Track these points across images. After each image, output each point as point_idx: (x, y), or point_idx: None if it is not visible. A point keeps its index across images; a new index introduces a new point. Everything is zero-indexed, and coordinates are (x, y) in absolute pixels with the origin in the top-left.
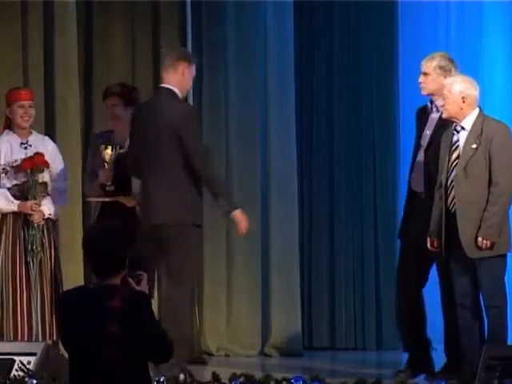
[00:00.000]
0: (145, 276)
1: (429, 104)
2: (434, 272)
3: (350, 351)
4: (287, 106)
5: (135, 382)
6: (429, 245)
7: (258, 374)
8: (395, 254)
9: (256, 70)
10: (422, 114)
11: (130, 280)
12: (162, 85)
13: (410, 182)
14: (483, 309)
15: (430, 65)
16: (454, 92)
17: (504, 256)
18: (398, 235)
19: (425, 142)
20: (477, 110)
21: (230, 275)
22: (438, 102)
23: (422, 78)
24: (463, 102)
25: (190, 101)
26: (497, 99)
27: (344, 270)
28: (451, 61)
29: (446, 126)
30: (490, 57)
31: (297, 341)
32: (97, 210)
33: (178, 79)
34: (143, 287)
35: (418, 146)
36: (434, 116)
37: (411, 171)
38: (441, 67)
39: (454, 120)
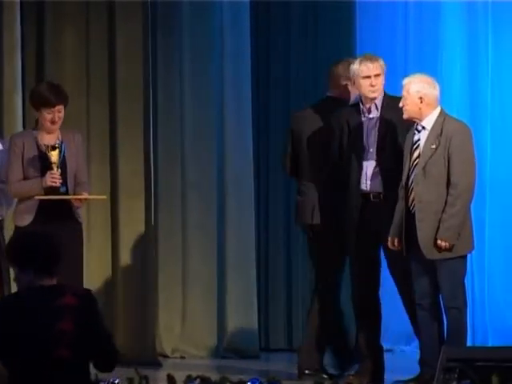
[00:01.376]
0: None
1: (361, 106)
2: None
3: None
4: (243, 106)
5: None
6: (389, 244)
7: (214, 376)
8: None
9: (212, 70)
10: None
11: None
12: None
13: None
14: (443, 310)
15: (379, 66)
16: (412, 92)
17: (464, 257)
18: None
19: (372, 143)
20: (438, 110)
21: (185, 276)
22: (378, 102)
23: (374, 81)
24: (421, 101)
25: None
26: (455, 98)
27: (301, 270)
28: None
29: (389, 125)
30: (448, 56)
31: (253, 342)
32: (31, 212)
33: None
34: None
35: (359, 148)
36: (374, 116)
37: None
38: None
39: (415, 120)
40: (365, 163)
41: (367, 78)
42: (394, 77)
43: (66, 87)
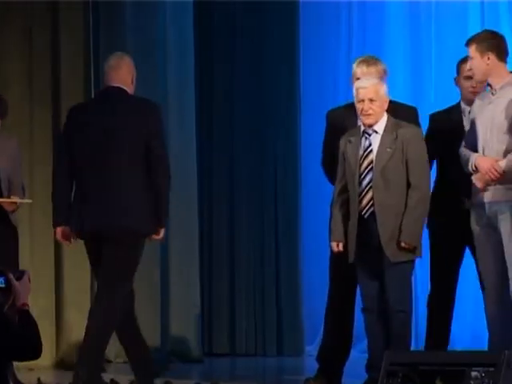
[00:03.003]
0: (27, 273)
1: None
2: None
3: (251, 357)
4: (187, 106)
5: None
6: (334, 248)
7: (158, 380)
8: (297, 260)
9: (156, 70)
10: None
11: (11, 275)
12: None
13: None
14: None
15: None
16: (382, 95)
17: (413, 261)
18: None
19: None
20: (385, 113)
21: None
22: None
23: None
24: (386, 103)
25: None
26: (398, 98)
27: (245, 275)
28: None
29: (352, 132)
30: (392, 56)
31: (196, 347)
32: None
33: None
34: (24, 284)
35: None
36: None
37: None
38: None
39: (373, 124)
40: None
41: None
42: (337, 77)
43: (8, 88)
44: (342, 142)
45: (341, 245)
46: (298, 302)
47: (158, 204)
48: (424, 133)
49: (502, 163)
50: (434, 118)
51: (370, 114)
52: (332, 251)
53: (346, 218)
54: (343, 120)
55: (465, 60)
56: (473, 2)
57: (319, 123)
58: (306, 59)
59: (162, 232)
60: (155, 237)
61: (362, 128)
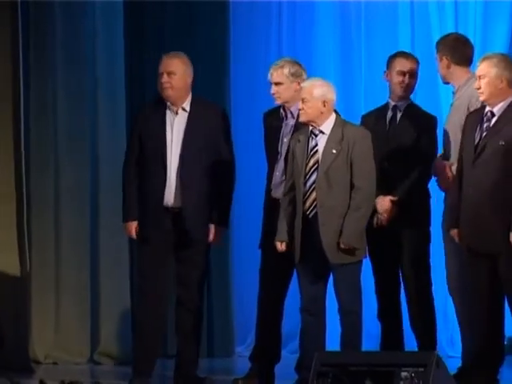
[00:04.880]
0: None
1: (282, 111)
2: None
3: None
4: (118, 108)
5: None
6: (278, 247)
7: (87, 382)
8: (227, 260)
9: (86, 72)
10: (273, 119)
11: None
12: None
13: (269, 191)
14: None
15: (282, 73)
16: (316, 96)
17: (360, 262)
18: (259, 245)
19: (283, 149)
20: (334, 114)
21: (58, 281)
22: (294, 109)
23: (274, 89)
24: (324, 106)
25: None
26: None
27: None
28: (300, 65)
29: (301, 131)
30: (322, 56)
31: (127, 348)
32: None
33: None
34: None
35: (273, 153)
36: (290, 123)
37: (270, 179)
38: (293, 74)
39: (312, 124)
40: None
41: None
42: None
43: None
44: (292, 140)
45: (284, 244)
46: (228, 303)
47: None
48: None
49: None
50: (365, 118)
51: (302, 113)
52: (263, 251)
53: (292, 217)
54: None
55: (396, 55)
56: (402, 2)
57: (250, 124)
58: (237, 60)
59: None
60: None
61: (310, 128)
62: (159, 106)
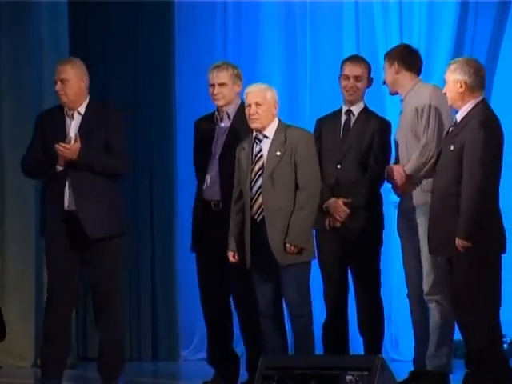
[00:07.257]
0: None
1: (216, 114)
2: None
3: (126, 362)
4: None
5: None
6: (230, 258)
7: None
8: (173, 262)
9: (31, 72)
10: (206, 123)
11: None
12: None
13: (199, 193)
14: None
15: (227, 74)
16: (269, 99)
17: (309, 263)
18: (192, 249)
19: (218, 151)
20: (276, 118)
21: (2, 283)
22: (231, 111)
23: (218, 90)
24: (275, 108)
25: None
26: None
27: None
28: (238, 67)
29: (238, 134)
30: (267, 56)
31: (71, 351)
32: None
33: None
34: None
35: (205, 156)
36: (225, 125)
37: (201, 181)
38: (236, 75)
39: (260, 129)
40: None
41: (211, 86)
42: None
43: None
44: (238, 149)
45: (235, 254)
46: (173, 306)
47: None
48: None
49: (406, 167)
50: (320, 122)
51: (256, 118)
52: (196, 254)
53: (241, 224)
54: None
55: (348, 59)
56: (347, 2)
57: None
58: (182, 60)
59: None
60: None
61: (254, 134)
62: (59, 110)
